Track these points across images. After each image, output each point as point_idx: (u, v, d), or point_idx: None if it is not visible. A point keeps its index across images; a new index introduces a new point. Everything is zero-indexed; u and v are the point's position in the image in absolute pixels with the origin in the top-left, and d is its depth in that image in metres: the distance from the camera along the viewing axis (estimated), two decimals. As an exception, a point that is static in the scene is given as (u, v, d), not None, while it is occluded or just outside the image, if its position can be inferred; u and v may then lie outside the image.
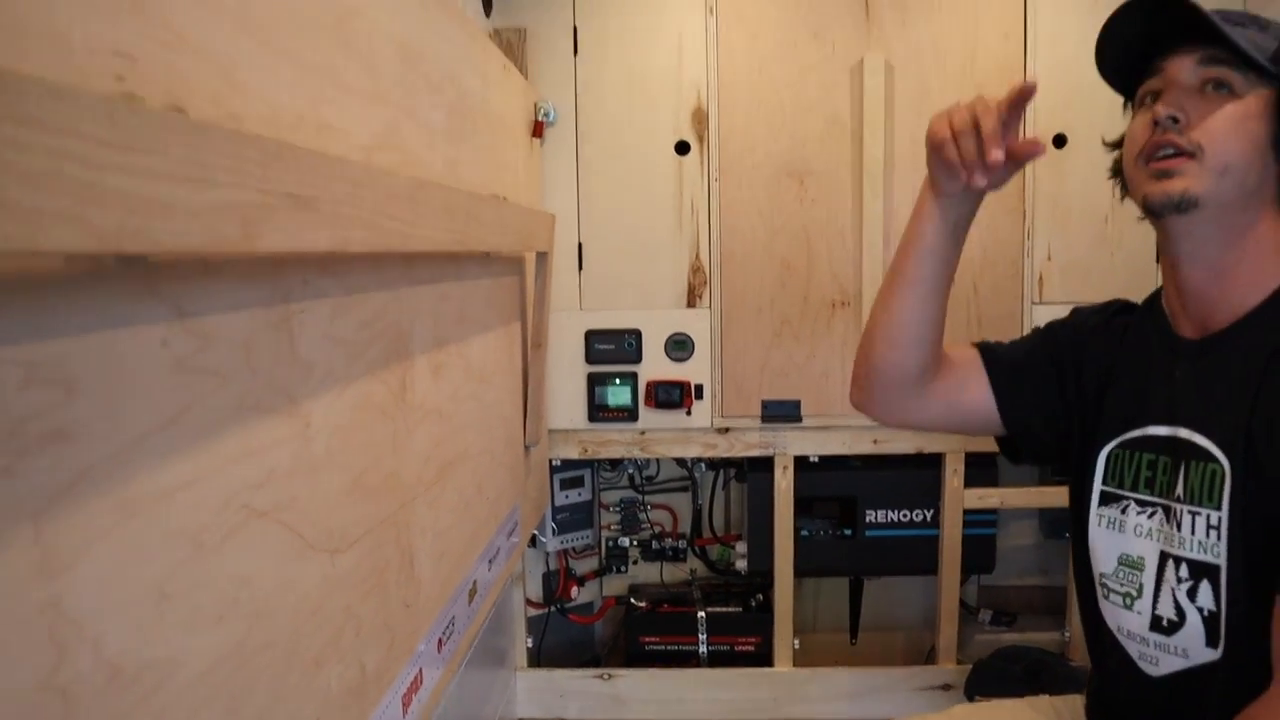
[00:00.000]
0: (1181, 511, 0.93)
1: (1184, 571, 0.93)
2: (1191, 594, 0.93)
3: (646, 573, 2.34)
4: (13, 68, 0.41)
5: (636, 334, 1.97)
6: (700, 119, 1.94)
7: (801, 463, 2.03)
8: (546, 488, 2.03)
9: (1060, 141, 1.91)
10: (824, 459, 2.04)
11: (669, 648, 2.16)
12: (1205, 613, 0.92)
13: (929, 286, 1.03)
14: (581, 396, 1.99)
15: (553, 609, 2.22)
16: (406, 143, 0.99)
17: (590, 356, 1.97)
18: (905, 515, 2.06)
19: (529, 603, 2.15)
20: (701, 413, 1.98)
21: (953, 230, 1.01)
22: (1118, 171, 1.01)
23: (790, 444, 2.01)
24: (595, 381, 1.97)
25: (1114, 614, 1.02)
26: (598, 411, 1.98)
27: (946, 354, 1.11)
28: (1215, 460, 0.90)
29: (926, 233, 1.01)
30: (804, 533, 2.06)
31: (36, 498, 0.45)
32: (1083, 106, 1.88)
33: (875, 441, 2.00)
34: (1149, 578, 0.97)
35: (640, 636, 2.17)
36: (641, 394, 1.97)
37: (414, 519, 1.04)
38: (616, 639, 2.35)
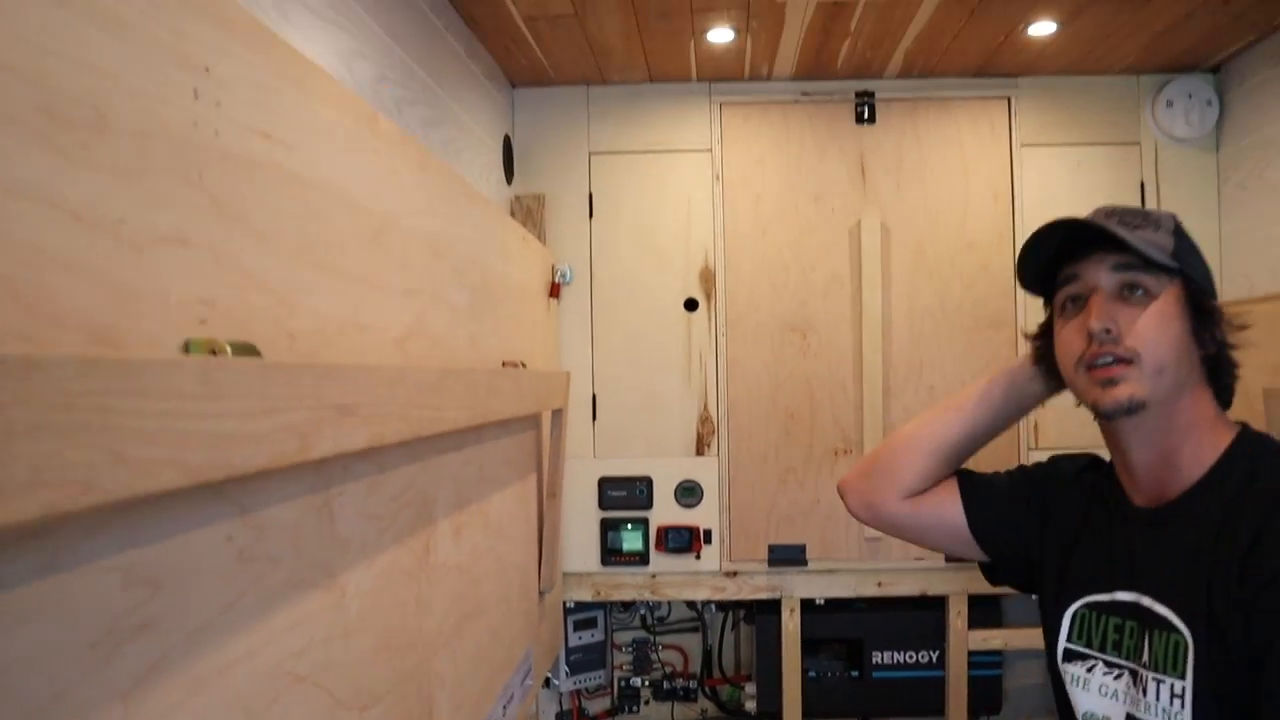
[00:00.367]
0: (1147, 678, 0.97)
1: None
2: None
3: (658, 713, 2.36)
4: (133, 350, 0.52)
5: (648, 481, 2.06)
6: (708, 277, 2.08)
7: (808, 605, 2.08)
8: (560, 630, 2.08)
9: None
10: (830, 601, 2.09)
11: (682, 790, 2.17)
12: None
13: (990, 435, 1.21)
14: (595, 541, 2.07)
15: (566, 750, 2.24)
16: (433, 329, 1.11)
17: (603, 503, 2.07)
18: (911, 656, 2.09)
19: (543, 743, 2.18)
20: (710, 556, 2.06)
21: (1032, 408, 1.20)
22: (1041, 359, 1.12)
23: (797, 586, 2.06)
24: (608, 527, 2.06)
25: None
26: (610, 555, 2.06)
27: None
28: (1178, 631, 0.95)
29: (1015, 400, 1.18)
30: (812, 674, 2.10)
31: (125, 680, 0.55)
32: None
33: (880, 584, 2.05)
34: None
35: (653, 778, 2.18)
36: (652, 538, 2.05)
37: (434, 670, 1.11)
38: (630, 780, 2.35)
